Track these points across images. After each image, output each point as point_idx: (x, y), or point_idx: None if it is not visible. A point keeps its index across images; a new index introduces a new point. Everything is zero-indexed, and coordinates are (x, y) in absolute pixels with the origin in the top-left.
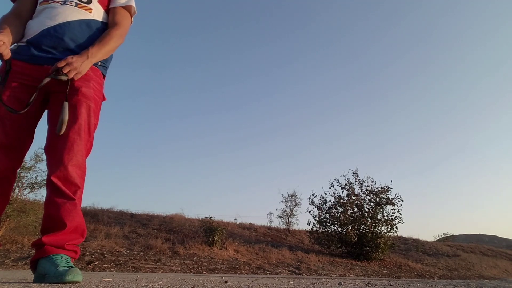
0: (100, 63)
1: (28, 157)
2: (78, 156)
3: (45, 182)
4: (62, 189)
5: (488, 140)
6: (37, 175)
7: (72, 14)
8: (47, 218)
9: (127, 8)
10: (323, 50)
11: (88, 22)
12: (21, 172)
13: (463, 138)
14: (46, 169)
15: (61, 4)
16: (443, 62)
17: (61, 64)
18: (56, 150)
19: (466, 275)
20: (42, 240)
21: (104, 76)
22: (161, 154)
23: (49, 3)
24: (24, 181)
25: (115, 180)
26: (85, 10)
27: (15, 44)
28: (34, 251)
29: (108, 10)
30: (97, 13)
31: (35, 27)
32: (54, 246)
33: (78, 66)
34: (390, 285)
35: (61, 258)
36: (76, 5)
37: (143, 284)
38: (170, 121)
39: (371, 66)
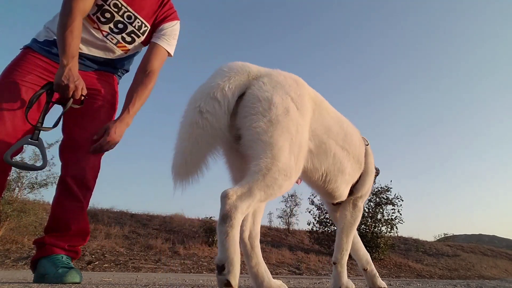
0: (120, 74)
1: (27, 157)
2: (93, 159)
3: (44, 182)
4: (73, 191)
5: (489, 141)
6: (37, 175)
7: (104, 53)
8: (53, 218)
9: (168, 54)
10: (323, 49)
11: (115, 59)
12: (21, 172)
13: (464, 138)
14: (46, 169)
15: (103, 35)
16: (445, 63)
17: (104, 141)
18: (75, 150)
19: (466, 275)
20: (44, 240)
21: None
22: (162, 154)
23: (94, 27)
24: (24, 181)
25: (115, 180)
26: (122, 49)
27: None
28: (34, 251)
29: (148, 41)
30: (132, 51)
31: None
32: (55, 246)
33: (118, 139)
34: (390, 285)
35: (62, 258)
36: (116, 43)
37: (143, 284)
38: (171, 120)
39: (372, 66)
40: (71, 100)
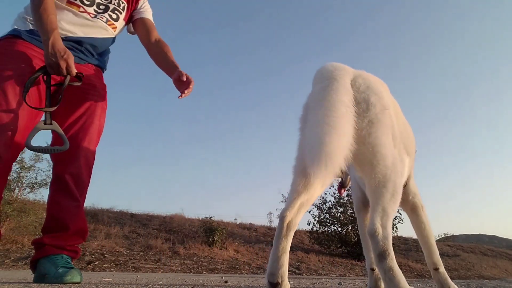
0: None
1: (27, 157)
2: (92, 156)
3: (44, 182)
4: (71, 189)
5: (489, 140)
6: (36, 175)
7: (99, 31)
8: (50, 218)
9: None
10: (324, 51)
11: (110, 40)
12: (21, 172)
13: (464, 138)
14: (46, 169)
15: (92, 17)
16: (451, 59)
17: (185, 77)
18: (73, 148)
19: (466, 275)
20: (44, 240)
21: None
22: (162, 154)
23: (80, 11)
24: (24, 181)
25: (115, 180)
26: (112, 27)
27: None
28: (34, 251)
29: (129, 21)
30: (119, 29)
31: (68, 27)
32: (55, 246)
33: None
34: None
35: (62, 258)
36: (106, 21)
37: (143, 284)
38: (171, 121)
39: (371, 65)
40: (69, 77)
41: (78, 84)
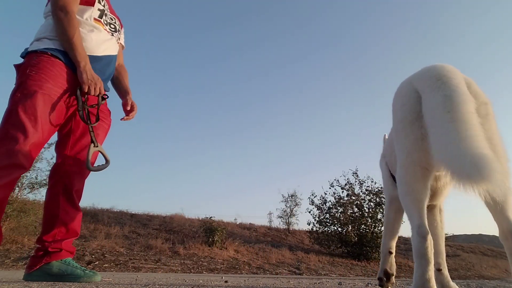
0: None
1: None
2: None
3: (44, 182)
4: (75, 202)
5: None
6: (37, 175)
7: (115, 48)
8: (62, 224)
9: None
10: (324, 51)
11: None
12: None
13: None
14: (46, 169)
15: (111, 35)
16: (453, 57)
17: (130, 106)
18: (83, 168)
19: (466, 275)
20: (62, 246)
21: None
22: (161, 154)
23: (105, 29)
24: (24, 181)
25: (115, 180)
26: (118, 44)
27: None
28: (41, 253)
29: None
30: (120, 47)
31: (94, 46)
32: (68, 251)
33: None
34: None
35: (72, 260)
36: (118, 39)
37: (143, 284)
38: (171, 120)
39: (371, 66)
40: (100, 97)
41: (103, 102)
